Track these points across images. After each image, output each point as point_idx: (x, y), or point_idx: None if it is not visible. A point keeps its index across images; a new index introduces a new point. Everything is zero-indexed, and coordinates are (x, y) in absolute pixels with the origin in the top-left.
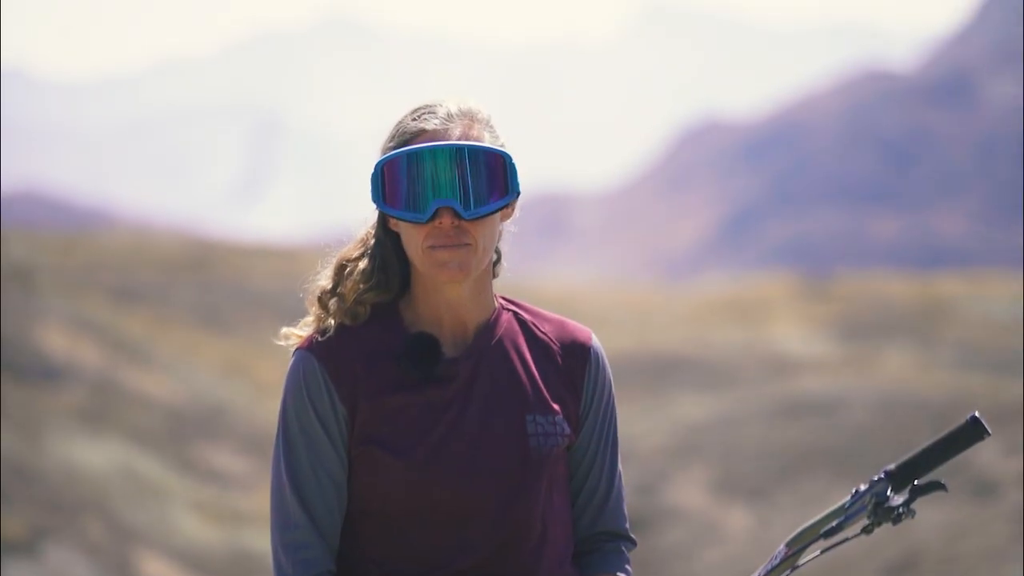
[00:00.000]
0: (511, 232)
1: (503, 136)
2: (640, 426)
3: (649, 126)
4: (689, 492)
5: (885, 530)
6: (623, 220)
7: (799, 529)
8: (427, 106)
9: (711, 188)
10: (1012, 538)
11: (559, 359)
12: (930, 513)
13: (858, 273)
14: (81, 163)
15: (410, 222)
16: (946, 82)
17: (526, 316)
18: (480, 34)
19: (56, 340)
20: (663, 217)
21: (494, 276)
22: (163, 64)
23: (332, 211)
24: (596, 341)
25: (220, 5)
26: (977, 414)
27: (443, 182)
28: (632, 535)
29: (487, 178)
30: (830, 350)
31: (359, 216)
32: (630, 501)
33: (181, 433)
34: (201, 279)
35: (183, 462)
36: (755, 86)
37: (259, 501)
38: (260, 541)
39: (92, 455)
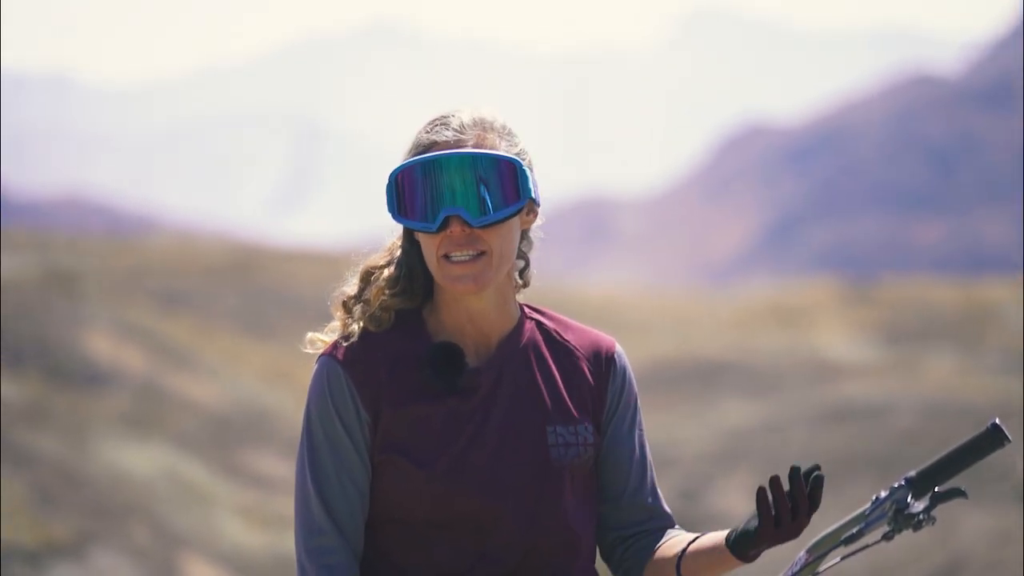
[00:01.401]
0: (540, 238)
1: (521, 143)
2: (684, 432)
3: (692, 131)
4: (733, 498)
5: (923, 537)
6: (666, 226)
7: (820, 535)
8: (441, 117)
9: (755, 194)
10: None
11: (583, 367)
12: (975, 519)
13: (902, 278)
14: (126, 169)
15: (422, 231)
16: (992, 87)
17: (549, 324)
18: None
19: (101, 345)
20: (706, 223)
21: (525, 284)
22: (207, 71)
23: (374, 217)
24: (620, 349)
25: (264, 12)
26: (998, 421)
27: (452, 191)
28: (673, 518)
29: (497, 185)
30: (874, 356)
31: (387, 225)
32: (674, 506)
33: (225, 438)
34: (245, 285)
35: (227, 467)
36: (799, 91)
37: None
38: None
39: (137, 460)
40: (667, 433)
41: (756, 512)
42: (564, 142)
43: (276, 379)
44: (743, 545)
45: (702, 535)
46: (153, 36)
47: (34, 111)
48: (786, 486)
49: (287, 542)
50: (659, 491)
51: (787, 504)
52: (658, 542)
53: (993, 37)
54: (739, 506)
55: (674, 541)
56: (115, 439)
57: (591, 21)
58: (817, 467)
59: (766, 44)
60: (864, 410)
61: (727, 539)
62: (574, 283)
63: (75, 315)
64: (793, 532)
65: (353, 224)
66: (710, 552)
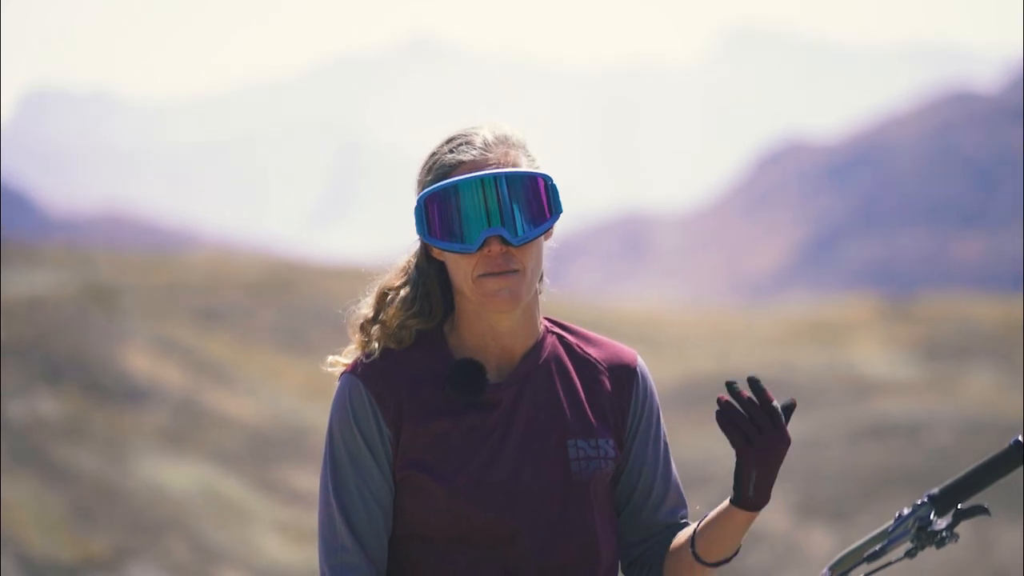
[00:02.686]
0: (551, 248)
1: (538, 157)
2: (720, 448)
3: (731, 147)
4: (770, 514)
5: (968, 551)
6: (705, 242)
7: (842, 553)
8: (462, 135)
9: (794, 210)
10: None
11: (605, 381)
12: (1013, 535)
13: (942, 295)
14: (166, 184)
15: (458, 253)
16: None
17: (571, 339)
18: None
19: (140, 361)
20: (745, 239)
21: (539, 293)
22: (247, 87)
23: (412, 233)
24: (642, 362)
25: (303, 29)
26: (1021, 438)
27: (488, 211)
28: None
29: (530, 202)
30: (913, 372)
31: (406, 245)
32: None
33: (263, 454)
34: (283, 301)
35: (265, 483)
36: (838, 107)
37: None
38: None
39: (175, 476)
40: (704, 450)
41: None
42: (602, 158)
43: (314, 395)
44: (739, 489)
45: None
46: (193, 53)
47: (76, 127)
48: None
49: None
50: (684, 502)
51: (746, 418)
52: (672, 539)
53: None
54: (778, 523)
55: (686, 529)
56: (153, 455)
57: (629, 37)
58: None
59: (805, 61)
60: (902, 427)
61: (731, 498)
62: (612, 299)
63: (114, 331)
64: (771, 445)
65: (391, 239)
66: (719, 518)
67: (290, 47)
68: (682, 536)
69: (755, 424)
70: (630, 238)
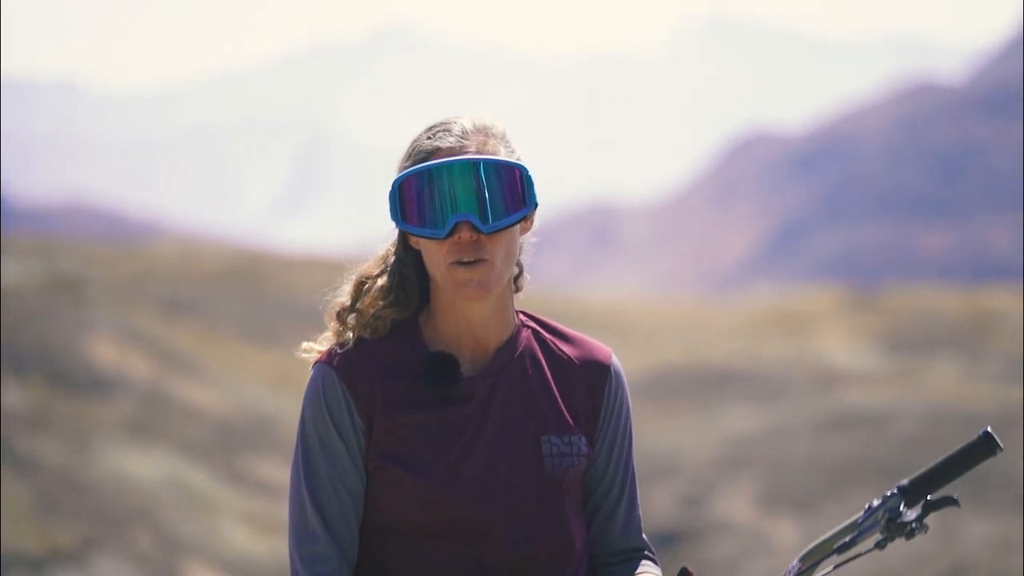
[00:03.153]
0: (532, 242)
1: (519, 149)
2: (689, 439)
3: (698, 138)
4: (737, 504)
5: (933, 543)
6: (672, 232)
7: (813, 544)
8: (442, 123)
9: (760, 201)
10: None
11: (579, 378)
12: (977, 527)
13: (906, 286)
14: (131, 175)
15: (429, 238)
16: (995, 95)
17: (546, 334)
18: (530, 46)
19: (105, 351)
20: (712, 230)
21: (517, 290)
22: (212, 77)
23: (380, 223)
24: (615, 360)
25: (272, 19)
26: (989, 429)
27: (460, 197)
28: (653, 550)
29: (504, 191)
30: (878, 363)
31: (382, 233)
32: (677, 513)
33: (229, 445)
34: (249, 291)
35: (231, 473)
36: (804, 98)
37: None
38: None
39: (141, 466)
40: (672, 440)
41: None
42: (572, 148)
43: (280, 385)
44: None
45: None
46: (159, 42)
47: (40, 117)
48: None
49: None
50: (638, 512)
51: None
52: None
53: (997, 45)
54: (743, 513)
55: None
56: (118, 445)
57: (599, 28)
58: None
59: (772, 52)
60: (867, 417)
61: None
62: (581, 289)
63: (79, 321)
64: None
65: (358, 230)
66: None
67: (257, 37)
68: None
69: None
70: (599, 228)
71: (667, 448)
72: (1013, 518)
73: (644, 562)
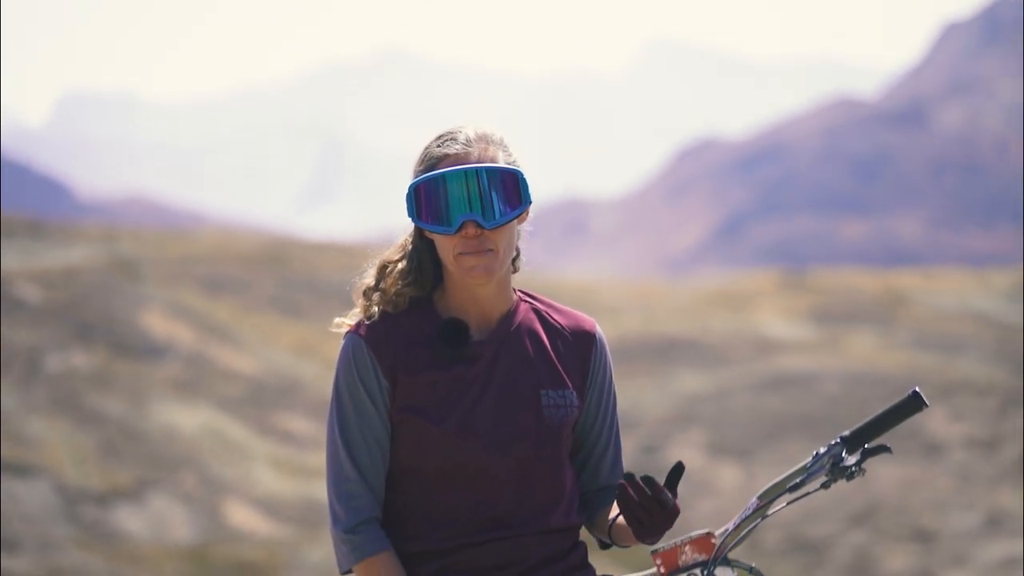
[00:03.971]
0: (528, 232)
1: (515, 154)
2: (647, 398)
3: (655, 144)
4: (687, 453)
5: (845, 485)
6: (633, 224)
7: (768, 485)
8: (449, 133)
9: (707, 197)
10: (955, 491)
11: (569, 343)
12: (887, 470)
13: (830, 270)
14: (179, 173)
15: (440, 234)
16: (904, 109)
17: (540, 306)
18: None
19: (157, 323)
20: (667, 222)
21: (514, 271)
22: (246, 90)
23: (385, 214)
24: (599, 329)
25: (293, 40)
26: (918, 389)
27: (466, 199)
28: None
29: (503, 192)
30: (806, 334)
31: (400, 224)
32: (638, 460)
33: (261, 402)
34: (278, 272)
35: (263, 426)
36: (745, 110)
37: (325, 459)
38: (326, 492)
39: (186, 419)
40: (632, 399)
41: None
42: (546, 152)
43: (305, 353)
44: (638, 537)
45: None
46: (202, 61)
47: (103, 124)
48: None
49: (313, 489)
50: (621, 462)
51: (642, 507)
52: (605, 504)
53: (905, 66)
54: (692, 460)
55: (611, 511)
56: (168, 402)
57: (569, 50)
58: (675, 469)
59: (719, 70)
60: (797, 379)
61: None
62: (555, 273)
63: (135, 297)
64: (659, 526)
65: (368, 221)
66: (625, 529)
67: (286, 56)
68: (606, 513)
69: (646, 511)
70: (570, 221)
71: (628, 405)
72: (916, 463)
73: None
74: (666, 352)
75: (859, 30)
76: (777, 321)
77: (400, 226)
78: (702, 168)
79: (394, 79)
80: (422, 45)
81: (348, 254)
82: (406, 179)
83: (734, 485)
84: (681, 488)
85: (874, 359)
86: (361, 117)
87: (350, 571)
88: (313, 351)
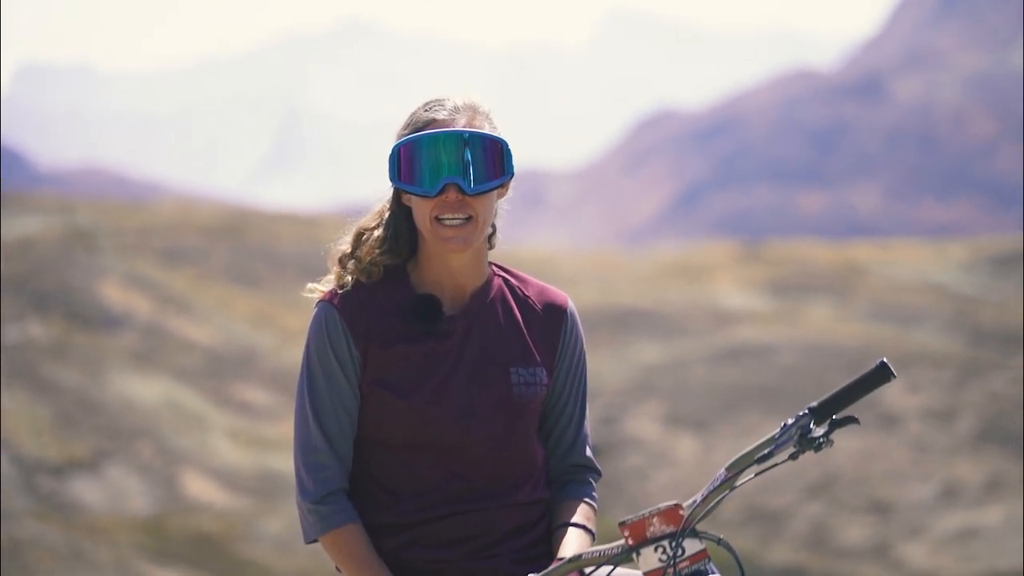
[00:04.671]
0: (504, 209)
1: (500, 127)
2: (605, 368)
3: (614, 115)
4: (645, 424)
5: (807, 456)
6: (591, 195)
7: (737, 456)
8: (437, 99)
9: (665, 168)
10: (912, 462)
11: (540, 319)
12: (844, 441)
13: (787, 241)
14: (136, 144)
15: (421, 196)
16: (861, 80)
17: (514, 281)
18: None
19: (114, 293)
20: (625, 193)
21: (490, 247)
22: (205, 60)
23: (344, 184)
24: (571, 305)
25: (252, 10)
26: (885, 360)
27: (450, 162)
28: (598, 466)
29: (487, 160)
30: (763, 305)
31: (374, 192)
32: (596, 432)
33: (218, 372)
34: (235, 242)
35: (220, 397)
36: (702, 82)
37: (284, 430)
38: (284, 463)
39: (144, 390)
40: (591, 370)
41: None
42: (505, 123)
43: (261, 323)
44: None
45: (565, 529)
46: (158, 30)
47: (59, 95)
48: None
49: (270, 460)
50: (587, 437)
51: None
52: (560, 501)
53: (862, 38)
54: (650, 432)
55: (559, 511)
56: (125, 372)
57: (530, 21)
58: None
59: (676, 42)
60: (754, 350)
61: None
62: (515, 244)
63: (92, 267)
64: None
65: (326, 190)
66: (558, 542)
67: (243, 26)
68: (555, 517)
69: None
70: (529, 192)
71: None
72: (873, 435)
73: (581, 503)
74: (624, 323)
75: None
76: (734, 292)
77: (358, 197)
78: (660, 139)
79: (353, 49)
80: (382, 15)
81: (306, 224)
82: (364, 150)
83: (692, 456)
84: (639, 459)
85: (831, 330)
86: (320, 88)
87: (315, 541)
88: (270, 321)
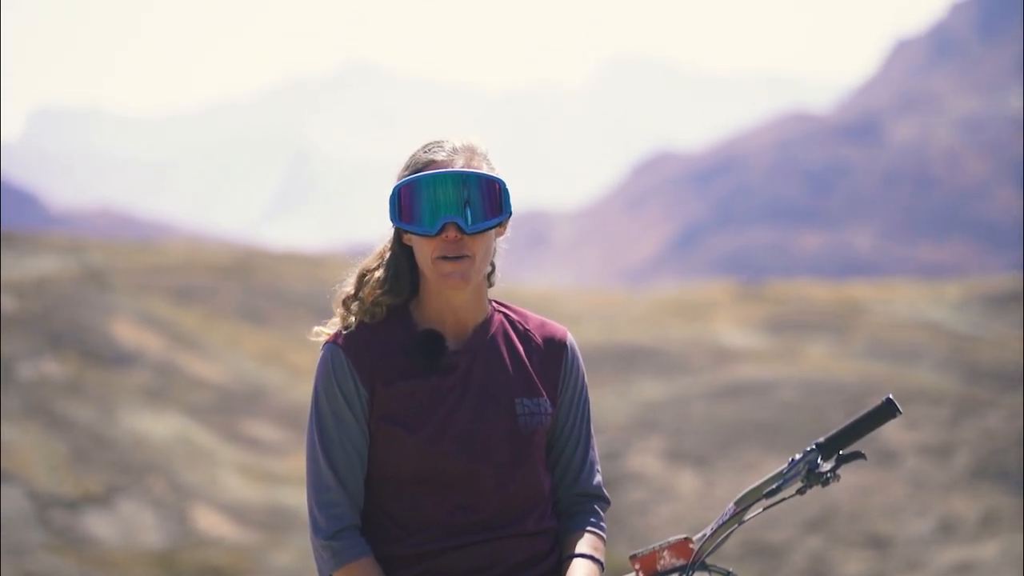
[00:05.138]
0: (503, 248)
1: (499, 167)
2: (607, 405)
3: (613, 156)
4: (646, 459)
5: (811, 491)
6: (592, 235)
7: (745, 490)
8: (436, 141)
9: (664, 208)
10: (909, 497)
11: (541, 352)
12: (843, 477)
13: (785, 280)
14: (147, 185)
15: (421, 235)
16: (857, 123)
17: (514, 317)
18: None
19: (126, 331)
20: (625, 232)
21: (490, 285)
22: (213, 104)
23: (350, 225)
24: (571, 338)
25: (259, 54)
26: (891, 396)
27: (449, 202)
28: (606, 494)
29: (485, 200)
30: (762, 343)
31: (377, 232)
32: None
33: (228, 409)
34: (244, 282)
35: (230, 433)
36: (701, 124)
37: (292, 465)
38: (292, 498)
39: (156, 426)
40: (592, 406)
41: None
42: (508, 165)
43: (270, 360)
44: None
45: (573, 560)
46: (168, 76)
47: (73, 138)
48: None
49: (279, 495)
50: (595, 466)
51: None
52: (569, 532)
53: (858, 80)
54: (651, 467)
55: (568, 542)
56: (137, 409)
57: (530, 65)
58: None
59: (674, 85)
60: (754, 387)
61: None
62: (517, 283)
63: (104, 306)
64: None
65: (333, 230)
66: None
67: (248, 70)
68: (564, 547)
69: None
70: (531, 232)
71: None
72: (871, 470)
73: (587, 534)
74: (625, 360)
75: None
76: (734, 331)
77: (364, 237)
78: (659, 180)
79: (358, 93)
80: (386, 59)
81: (313, 264)
82: (370, 190)
83: (692, 491)
84: (641, 494)
85: (829, 368)
86: (326, 130)
87: None
88: (279, 359)
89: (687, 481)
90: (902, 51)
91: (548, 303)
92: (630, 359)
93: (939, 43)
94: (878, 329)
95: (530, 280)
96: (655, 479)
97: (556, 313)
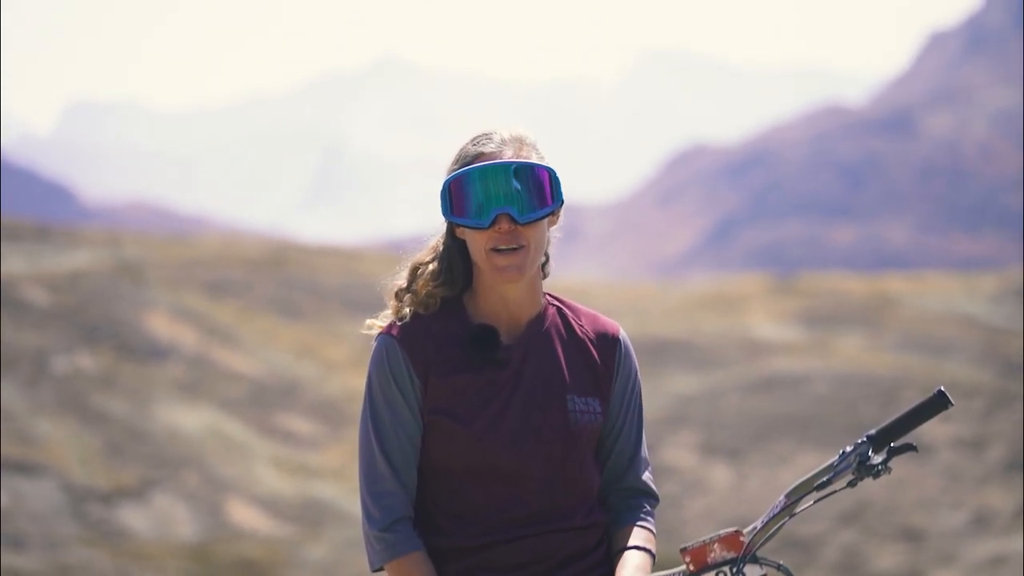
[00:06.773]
0: (556, 237)
1: (547, 157)
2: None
3: (648, 150)
4: (680, 453)
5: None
6: (626, 228)
7: (795, 483)
8: (484, 133)
9: (699, 202)
10: (943, 491)
11: (593, 348)
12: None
13: (819, 273)
14: (181, 179)
15: (474, 228)
16: (892, 116)
17: (567, 311)
18: (508, 73)
19: (161, 324)
20: (659, 226)
21: (544, 276)
22: (248, 98)
23: (383, 219)
24: (623, 333)
25: (294, 49)
26: (943, 388)
27: (500, 194)
28: (655, 490)
29: (536, 189)
30: (796, 336)
31: (416, 226)
32: None
33: (263, 402)
34: (279, 275)
35: (264, 426)
36: (736, 117)
37: (327, 458)
38: (327, 491)
39: (190, 420)
40: None
41: None
42: (545, 158)
43: (304, 354)
44: None
45: (625, 553)
46: (205, 70)
47: (108, 132)
48: None
49: (313, 488)
50: (645, 461)
51: None
52: (620, 526)
53: (892, 74)
54: (684, 460)
55: (619, 536)
56: (172, 402)
57: (564, 58)
58: None
59: (710, 78)
60: (787, 381)
61: None
62: (552, 276)
63: (139, 300)
64: None
65: (365, 224)
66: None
67: (283, 65)
68: (615, 541)
69: None
70: (565, 226)
71: None
72: (904, 463)
73: (637, 527)
74: (659, 354)
75: (847, 39)
76: (767, 324)
77: (397, 231)
78: (693, 174)
79: (391, 87)
80: (418, 54)
81: (347, 258)
82: (403, 185)
83: (726, 484)
84: (674, 487)
85: (862, 361)
86: (359, 124)
87: (381, 569)
88: (313, 352)
89: (720, 474)
90: (936, 44)
91: (582, 297)
92: (663, 352)
93: (973, 36)
94: (911, 322)
95: (563, 274)
96: (688, 472)
97: (590, 307)
